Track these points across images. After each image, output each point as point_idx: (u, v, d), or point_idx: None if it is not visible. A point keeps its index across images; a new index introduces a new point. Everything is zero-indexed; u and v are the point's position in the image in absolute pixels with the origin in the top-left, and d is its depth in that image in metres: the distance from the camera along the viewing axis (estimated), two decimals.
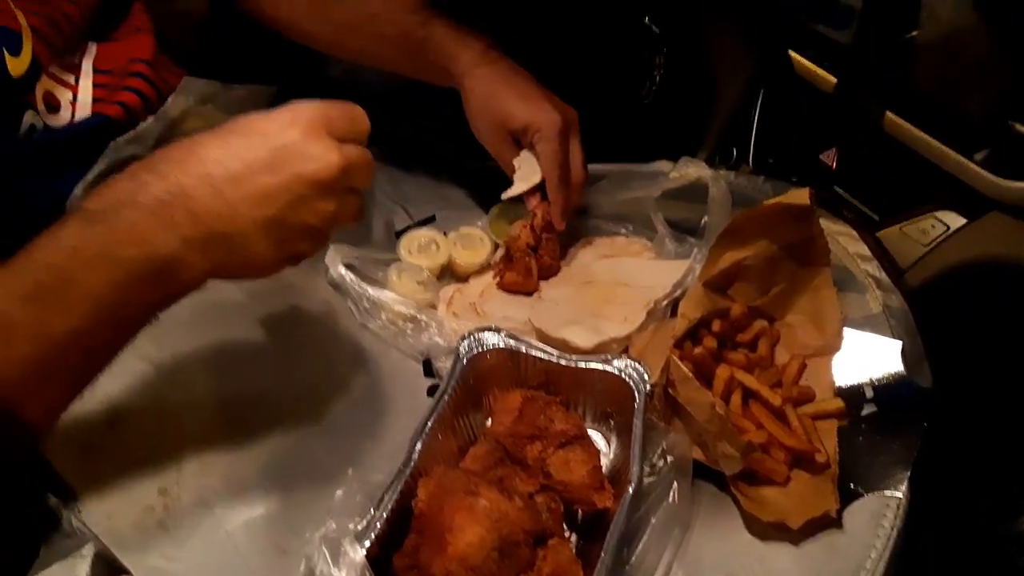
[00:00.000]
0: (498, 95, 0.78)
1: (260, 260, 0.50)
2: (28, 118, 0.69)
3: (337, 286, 0.79)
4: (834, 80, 0.81)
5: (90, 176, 0.72)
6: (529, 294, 0.81)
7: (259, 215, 0.48)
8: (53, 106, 0.72)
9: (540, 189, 0.80)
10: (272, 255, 0.50)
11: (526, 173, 0.79)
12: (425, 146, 0.96)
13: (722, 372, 0.69)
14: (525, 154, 0.80)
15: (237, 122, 0.50)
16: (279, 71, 0.93)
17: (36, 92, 0.70)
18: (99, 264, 0.44)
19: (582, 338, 0.71)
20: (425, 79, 0.84)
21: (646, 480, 0.62)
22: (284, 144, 0.48)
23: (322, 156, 0.49)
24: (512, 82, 0.79)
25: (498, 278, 0.81)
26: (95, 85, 0.75)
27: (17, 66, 0.66)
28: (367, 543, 0.54)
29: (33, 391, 0.46)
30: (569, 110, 0.79)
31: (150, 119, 0.76)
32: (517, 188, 0.80)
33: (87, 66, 0.76)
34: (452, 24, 0.81)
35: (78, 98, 0.74)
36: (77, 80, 0.74)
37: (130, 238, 0.45)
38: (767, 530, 0.62)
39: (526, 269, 0.80)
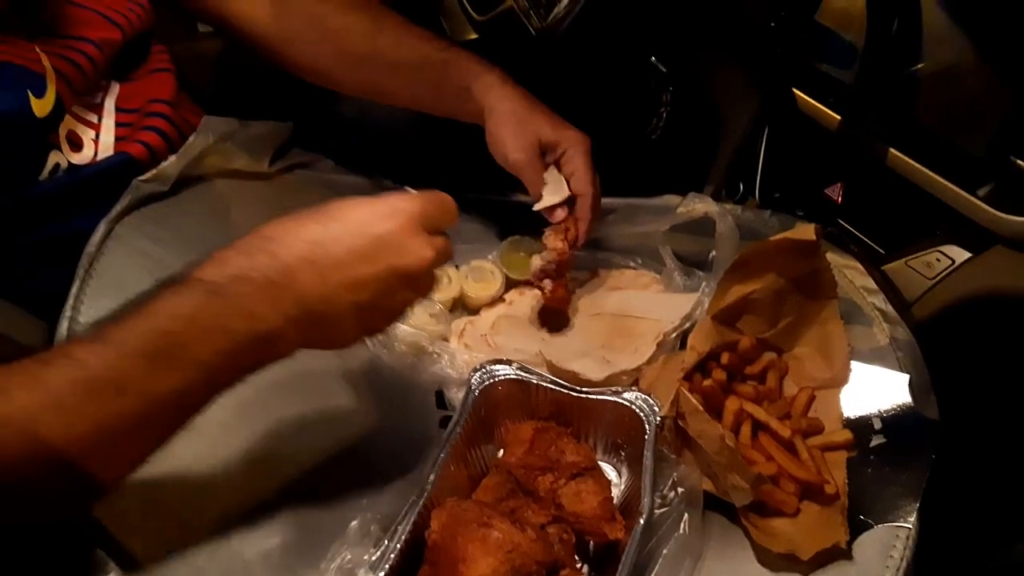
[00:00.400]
0: (527, 111, 0.78)
1: (345, 337, 0.54)
2: (52, 157, 0.71)
3: None
4: (838, 118, 0.83)
5: (112, 213, 0.73)
6: (565, 315, 0.82)
7: (353, 300, 0.51)
8: (76, 144, 0.73)
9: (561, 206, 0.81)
10: (356, 333, 0.55)
11: (554, 188, 0.79)
12: (435, 180, 0.98)
13: (731, 404, 0.70)
14: (552, 171, 0.80)
15: (340, 207, 0.53)
16: (293, 109, 0.95)
17: (60, 132, 0.72)
18: (211, 334, 0.48)
19: (592, 370, 0.72)
20: (442, 107, 0.84)
21: (657, 511, 0.62)
22: (382, 235, 0.52)
23: (416, 251, 0.53)
24: (536, 102, 0.80)
25: (546, 293, 0.80)
26: (118, 124, 0.77)
27: (42, 107, 0.68)
28: (381, 574, 0.55)
29: (125, 446, 0.48)
30: (586, 135, 0.80)
31: (171, 157, 0.78)
32: (548, 201, 0.79)
33: (110, 105, 0.78)
34: (471, 52, 0.82)
35: (100, 137, 0.76)
36: (100, 119, 0.76)
37: (240, 313, 0.48)
38: (777, 561, 0.62)
39: (566, 285, 0.81)
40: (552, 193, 0.80)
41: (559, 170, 0.80)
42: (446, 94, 0.81)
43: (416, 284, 0.54)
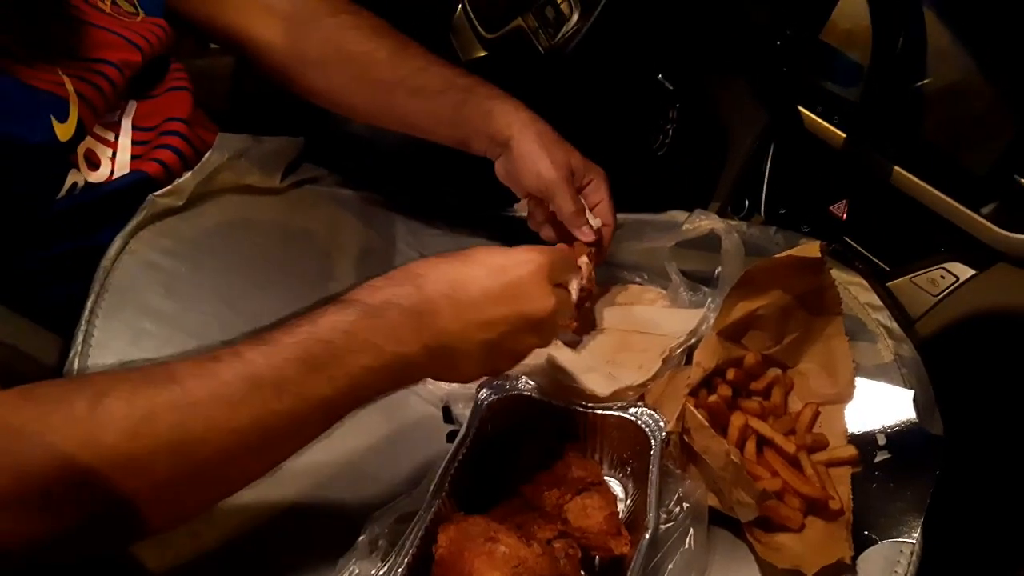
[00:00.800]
0: (559, 141, 0.80)
1: (469, 372, 0.59)
2: (71, 177, 0.71)
3: None
4: (843, 135, 0.83)
5: (128, 227, 0.74)
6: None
7: (483, 338, 0.56)
8: (94, 163, 0.74)
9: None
10: (480, 370, 0.59)
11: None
12: (443, 197, 0.98)
13: (736, 420, 0.70)
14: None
15: (480, 252, 0.59)
16: (306, 124, 0.96)
17: (79, 152, 0.73)
18: (363, 350, 0.51)
19: (598, 385, 0.72)
20: (460, 131, 0.83)
21: (663, 526, 0.62)
22: (513, 281, 0.57)
23: (541, 299, 0.58)
24: (557, 135, 0.81)
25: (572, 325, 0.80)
26: (134, 142, 0.78)
27: (64, 132, 0.69)
28: None
29: (273, 446, 0.51)
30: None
31: (187, 174, 0.79)
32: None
33: (126, 124, 0.78)
34: (490, 84, 0.83)
35: (117, 155, 0.76)
36: (117, 138, 0.77)
37: (388, 334, 0.52)
38: None
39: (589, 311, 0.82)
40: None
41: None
42: (468, 116, 0.81)
43: (539, 329, 0.59)
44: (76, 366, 0.66)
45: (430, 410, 0.75)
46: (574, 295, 0.69)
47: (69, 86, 0.69)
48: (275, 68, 0.88)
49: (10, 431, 0.45)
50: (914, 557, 0.64)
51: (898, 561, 0.64)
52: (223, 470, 0.50)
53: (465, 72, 0.84)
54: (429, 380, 0.74)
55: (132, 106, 0.79)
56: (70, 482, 0.45)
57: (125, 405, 0.46)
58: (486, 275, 0.56)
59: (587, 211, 0.80)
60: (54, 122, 0.68)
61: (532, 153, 0.78)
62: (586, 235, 0.79)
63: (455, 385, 0.74)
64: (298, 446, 0.53)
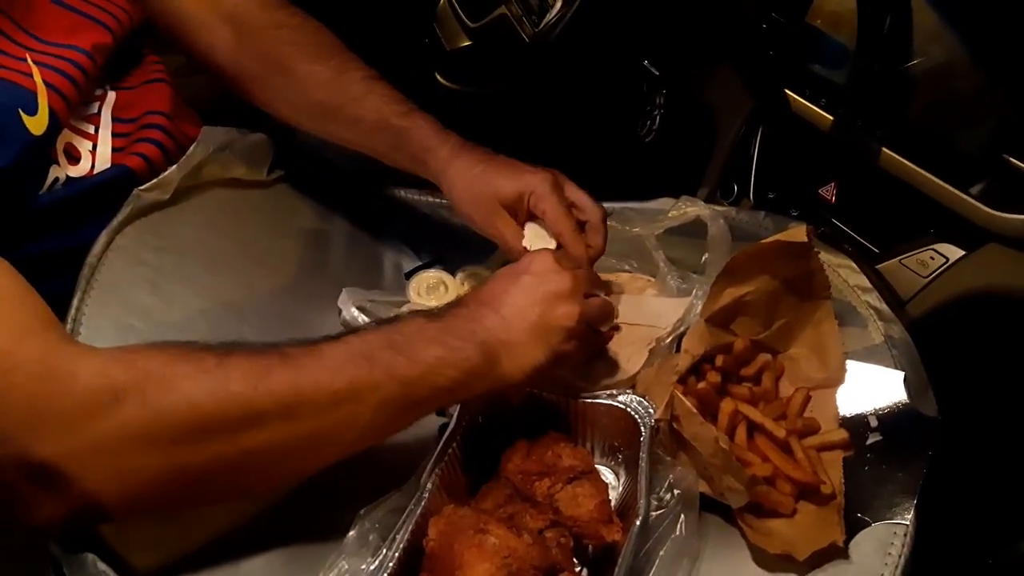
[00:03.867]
0: (483, 175, 0.79)
1: (531, 357, 0.64)
2: (52, 172, 0.71)
3: (350, 327, 0.81)
4: (830, 118, 0.83)
5: (113, 223, 0.73)
6: None
7: (523, 323, 0.65)
8: (74, 157, 0.73)
9: None
10: (537, 352, 0.65)
11: (537, 246, 0.78)
12: (431, 187, 0.98)
13: (726, 406, 0.70)
14: (529, 227, 0.79)
15: (501, 269, 0.71)
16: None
17: (57, 145, 0.72)
18: (433, 343, 0.61)
19: (586, 378, 0.73)
20: (400, 166, 0.86)
21: (654, 513, 0.63)
22: (528, 274, 0.67)
23: (557, 276, 0.67)
24: (492, 161, 0.80)
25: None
26: (114, 135, 0.77)
27: (37, 125, 0.68)
28: None
29: (360, 410, 0.58)
30: (551, 170, 0.80)
31: (171, 168, 0.78)
32: None
33: (106, 115, 0.77)
34: (430, 119, 0.83)
35: (98, 148, 0.76)
36: (97, 129, 0.76)
37: (451, 333, 0.63)
38: (774, 561, 0.63)
39: None
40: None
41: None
42: (402, 158, 0.84)
43: (570, 298, 0.66)
44: None
45: None
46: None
47: (37, 76, 0.68)
48: (217, 72, 0.87)
49: (147, 374, 0.52)
50: (907, 538, 0.64)
51: (891, 543, 0.64)
52: (321, 433, 0.58)
53: (403, 110, 0.83)
54: None
55: (111, 96, 0.78)
56: (196, 425, 0.53)
57: (247, 362, 0.55)
58: (508, 280, 0.67)
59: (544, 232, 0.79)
60: (23, 116, 0.66)
61: (463, 211, 0.82)
62: None
63: None
64: (383, 424, 0.60)
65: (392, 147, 0.84)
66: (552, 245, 0.77)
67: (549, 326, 0.65)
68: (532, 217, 0.79)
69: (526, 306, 0.65)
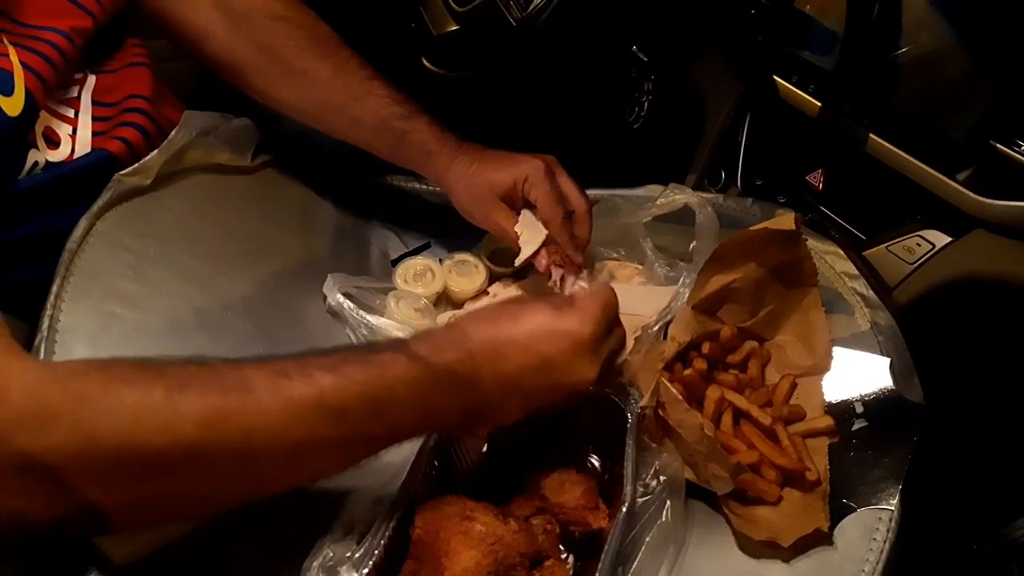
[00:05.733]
0: (479, 171, 0.80)
1: (501, 422, 0.60)
2: (31, 156, 0.70)
3: (336, 314, 0.81)
4: (818, 104, 0.83)
5: (94, 208, 0.72)
6: None
7: (518, 404, 0.59)
8: (53, 141, 0.72)
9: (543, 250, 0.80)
10: (509, 420, 0.60)
11: (530, 236, 0.79)
12: (418, 174, 0.98)
13: (712, 393, 0.70)
14: (523, 217, 0.80)
15: (527, 311, 0.59)
16: None
17: (36, 129, 0.71)
18: (418, 405, 0.55)
19: None
20: (399, 164, 0.86)
21: (640, 500, 0.63)
22: (552, 356, 0.57)
23: (582, 373, 0.59)
24: (487, 155, 0.81)
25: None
26: (94, 118, 0.76)
27: (12, 106, 0.67)
28: (365, 570, 0.55)
29: (314, 465, 0.54)
30: (547, 156, 0.81)
31: (153, 153, 0.77)
32: (526, 252, 0.79)
33: (86, 99, 0.76)
34: (430, 121, 0.83)
35: (78, 132, 0.75)
36: (76, 114, 0.75)
37: (440, 397, 0.55)
38: (759, 547, 0.63)
39: None
40: (529, 241, 0.79)
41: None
42: (402, 159, 0.85)
43: (579, 395, 0.60)
44: (43, 351, 0.65)
45: None
46: None
47: (13, 56, 0.67)
48: (215, 61, 0.86)
49: (81, 398, 0.47)
50: (893, 524, 0.64)
51: (876, 528, 0.64)
52: (271, 479, 0.53)
53: (403, 113, 0.82)
54: None
55: (91, 80, 0.77)
56: (133, 460, 0.47)
57: (201, 401, 0.49)
58: (528, 343, 0.57)
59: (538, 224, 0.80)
60: None
61: (462, 205, 0.82)
62: (540, 264, 0.80)
63: None
64: (335, 470, 0.56)
65: (392, 149, 0.84)
66: (544, 234, 0.78)
67: (541, 407, 0.60)
68: (528, 204, 0.80)
69: (533, 391, 0.58)
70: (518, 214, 0.80)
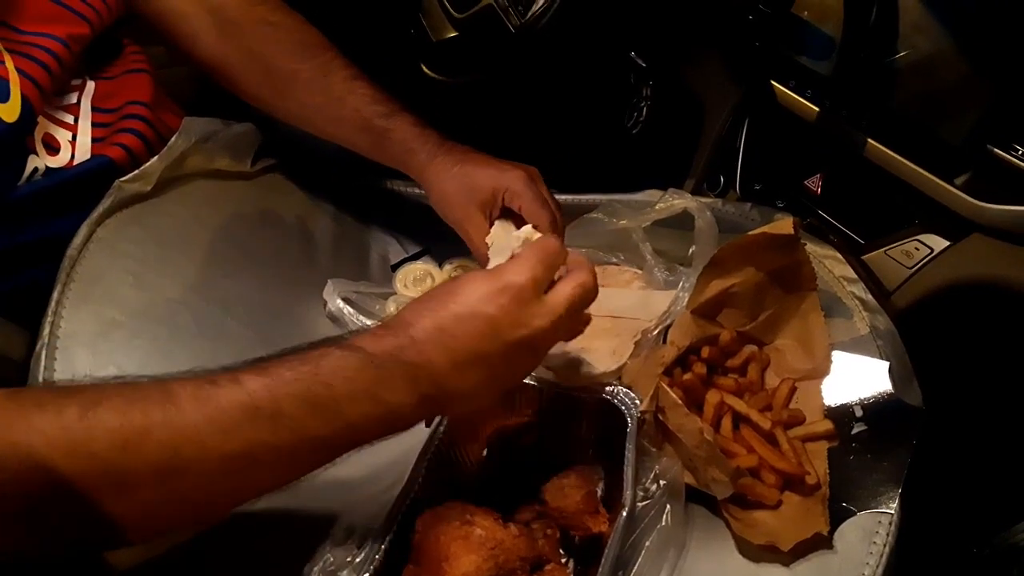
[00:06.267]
0: (460, 173, 0.80)
1: (474, 404, 0.57)
2: (31, 162, 0.70)
3: (336, 319, 0.81)
4: (816, 109, 0.83)
5: (94, 215, 0.73)
6: None
7: (478, 375, 0.55)
8: (53, 147, 0.73)
9: None
10: (482, 402, 0.58)
11: (501, 247, 0.75)
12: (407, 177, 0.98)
13: (712, 397, 0.70)
14: (496, 227, 0.79)
15: (458, 288, 0.56)
16: None
17: (35, 135, 0.71)
18: (363, 399, 0.52)
19: (572, 370, 0.72)
20: (382, 163, 0.86)
21: (640, 504, 0.63)
22: (495, 315, 0.55)
23: (533, 321, 0.56)
24: (470, 158, 0.81)
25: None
26: (94, 124, 0.76)
27: (9, 112, 0.67)
28: (365, 575, 0.55)
29: (258, 476, 0.51)
30: (530, 167, 0.80)
31: (153, 159, 0.77)
32: (495, 263, 0.75)
33: (86, 105, 0.77)
34: (412, 119, 0.83)
35: (77, 139, 0.75)
36: (76, 120, 0.76)
37: (389, 386, 0.53)
38: (759, 552, 0.63)
39: None
40: (499, 252, 0.75)
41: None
42: (384, 157, 0.85)
43: (540, 350, 0.58)
44: (44, 358, 0.65)
45: None
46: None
47: (9, 63, 0.68)
48: (205, 64, 0.87)
49: None
50: (892, 527, 0.64)
51: (876, 532, 0.64)
52: (209, 495, 0.50)
53: (385, 111, 0.83)
54: None
55: (90, 86, 0.78)
56: (54, 491, 0.44)
57: (118, 417, 0.46)
58: (470, 312, 0.55)
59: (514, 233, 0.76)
60: None
61: (439, 205, 0.81)
62: None
63: None
64: (287, 480, 0.53)
65: (374, 147, 0.85)
66: (516, 245, 0.74)
67: (507, 376, 0.58)
68: (508, 215, 0.79)
69: (487, 355, 0.55)
70: (491, 224, 0.79)
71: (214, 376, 0.50)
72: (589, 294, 0.60)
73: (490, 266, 0.75)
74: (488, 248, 0.76)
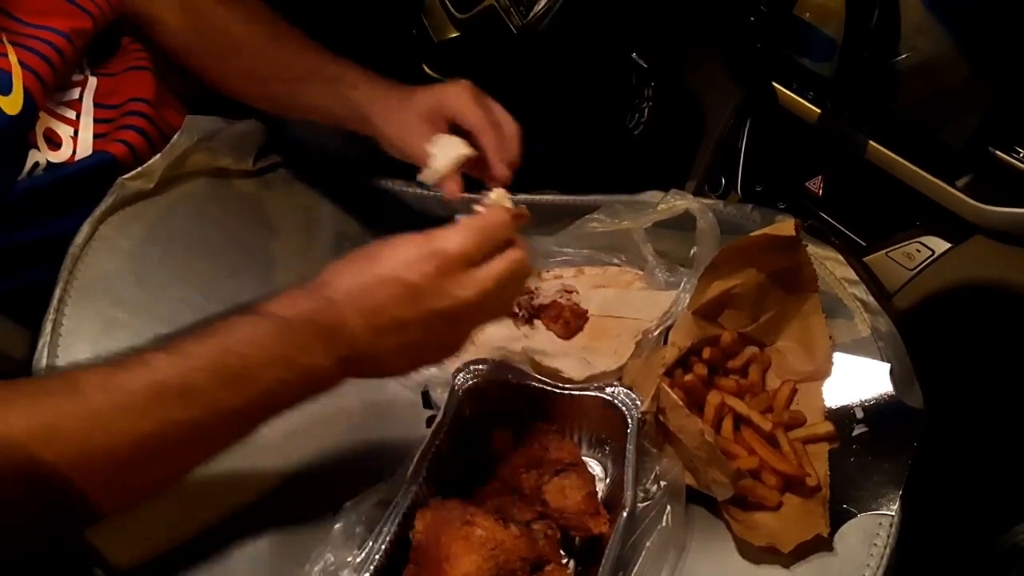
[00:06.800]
0: (403, 98, 0.79)
1: (394, 370, 0.57)
2: (32, 156, 0.70)
3: None
4: (818, 111, 0.83)
5: (96, 212, 0.73)
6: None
7: (399, 341, 0.54)
8: (55, 142, 0.72)
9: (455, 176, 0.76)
10: (404, 368, 0.58)
11: (442, 154, 0.74)
12: (420, 182, 0.98)
13: (713, 398, 0.70)
14: (437, 137, 0.76)
15: (382, 251, 0.55)
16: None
17: (37, 130, 0.71)
18: (277, 364, 0.51)
19: (574, 370, 0.73)
20: (345, 119, 0.84)
21: (640, 505, 0.63)
22: (418, 282, 0.53)
23: (453, 294, 0.54)
24: (413, 88, 0.80)
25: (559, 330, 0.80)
26: (96, 120, 0.76)
27: (11, 105, 0.67)
28: (366, 575, 0.55)
29: (178, 454, 0.51)
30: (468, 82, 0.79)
31: (156, 156, 0.77)
32: (436, 166, 0.74)
33: (88, 101, 0.77)
34: (360, 67, 0.83)
35: (79, 134, 0.75)
36: (78, 116, 0.75)
37: (303, 349, 0.52)
38: (760, 553, 0.63)
39: (558, 315, 0.80)
40: (440, 158, 0.74)
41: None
42: (334, 104, 0.83)
43: (463, 323, 0.56)
44: (46, 356, 0.65)
45: (409, 395, 0.75)
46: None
47: (12, 56, 0.68)
48: (168, 49, 0.87)
49: None
50: (893, 529, 0.64)
51: (877, 534, 0.64)
52: (132, 477, 0.50)
53: (331, 57, 0.83)
54: None
55: (92, 82, 0.78)
56: None
57: (29, 414, 0.46)
58: (392, 276, 0.53)
59: (458, 143, 0.76)
60: None
61: (385, 133, 0.79)
62: (448, 190, 0.75)
63: (434, 370, 0.74)
64: (208, 454, 0.52)
65: (324, 95, 0.83)
66: (460, 152, 0.74)
67: (431, 346, 0.56)
68: (453, 131, 0.77)
69: (406, 322, 0.53)
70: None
71: (123, 360, 0.49)
72: (520, 272, 0.57)
73: (430, 171, 0.75)
74: (431, 156, 0.74)
